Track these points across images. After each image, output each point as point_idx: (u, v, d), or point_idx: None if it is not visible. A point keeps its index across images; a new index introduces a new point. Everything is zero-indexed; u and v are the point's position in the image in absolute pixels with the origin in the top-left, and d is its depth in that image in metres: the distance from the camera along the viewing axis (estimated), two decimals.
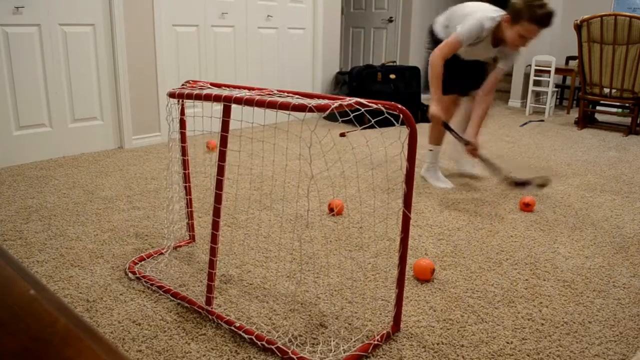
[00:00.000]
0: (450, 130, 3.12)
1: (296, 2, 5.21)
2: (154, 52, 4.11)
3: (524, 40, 2.86)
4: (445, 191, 3.24)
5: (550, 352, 1.65)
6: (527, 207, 2.89)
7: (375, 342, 1.64)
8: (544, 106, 6.17)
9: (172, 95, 1.80)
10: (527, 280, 2.12)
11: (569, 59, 6.72)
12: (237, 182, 3.28)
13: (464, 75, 3.32)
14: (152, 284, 1.97)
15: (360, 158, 3.93)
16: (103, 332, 1.70)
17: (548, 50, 6.84)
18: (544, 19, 2.77)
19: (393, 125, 5.23)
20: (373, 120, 1.67)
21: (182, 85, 2.04)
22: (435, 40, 3.22)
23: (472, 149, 3.15)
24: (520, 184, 3.10)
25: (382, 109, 1.52)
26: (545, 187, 3.21)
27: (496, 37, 2.99)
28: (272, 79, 5.14)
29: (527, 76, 6.52)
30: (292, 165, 3.67)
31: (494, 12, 2.97)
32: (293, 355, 1.55)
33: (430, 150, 3.41)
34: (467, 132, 3.25)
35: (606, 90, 5.14)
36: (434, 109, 3.02)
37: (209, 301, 1.77)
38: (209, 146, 3.92)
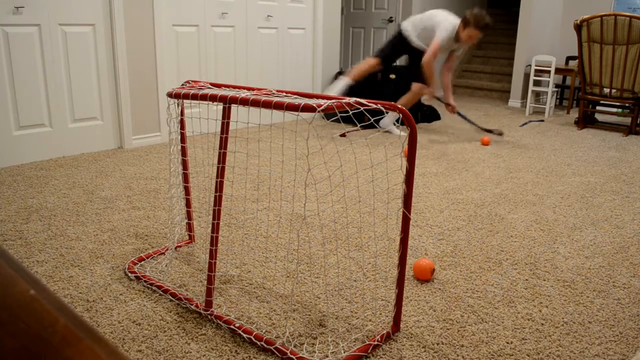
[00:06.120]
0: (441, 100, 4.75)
1: (296, 2, 5.21)
2: (154, 52, 4.11)
3: (472, 39, 4.29)
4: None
5: (550, 352, 1.65)
6: (485, 143, 4.49)
7: (375, 342, 1.64)
8: (544, 106, 6.17)
9: (171, 95, 1.80)
10: (527, 280, 2.12)
11: (569, 59, 6.72)
12: (236, 182, 3.28)
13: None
14: (151, 284, 1.97)
15: (360, 158, 3.93)
16: (103, 332, 1.70)
17: (548, 50, 6.84)
18: (484, 27, 4.22)
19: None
20: (372, 119, 1.67)
21: (182, 85, 2.04)
22: (405, 44, 4.61)
23: (452, 108, 4.68)
24: (488, 130, 4.91)
25: (382, 109, 1.52)
26: (502, 136, 4.85)
27: (456, 36, 4.37)
28: (272, 79, 5.14)
29: (527, 76, 6.52)
30: (292, 165, 3.67)
31: (455, 20, 4.34)
32: (292, 355, 1.55)
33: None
34: (445, 97, 4.74)
35: (606, 90, 5.14)
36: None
37: (208, 303, 1.77)
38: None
